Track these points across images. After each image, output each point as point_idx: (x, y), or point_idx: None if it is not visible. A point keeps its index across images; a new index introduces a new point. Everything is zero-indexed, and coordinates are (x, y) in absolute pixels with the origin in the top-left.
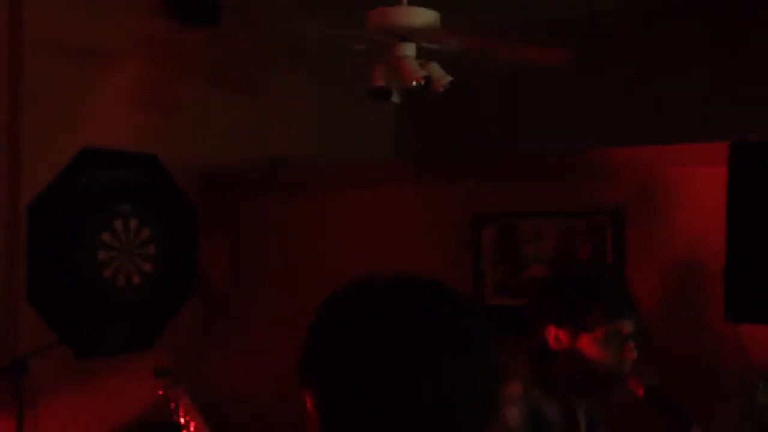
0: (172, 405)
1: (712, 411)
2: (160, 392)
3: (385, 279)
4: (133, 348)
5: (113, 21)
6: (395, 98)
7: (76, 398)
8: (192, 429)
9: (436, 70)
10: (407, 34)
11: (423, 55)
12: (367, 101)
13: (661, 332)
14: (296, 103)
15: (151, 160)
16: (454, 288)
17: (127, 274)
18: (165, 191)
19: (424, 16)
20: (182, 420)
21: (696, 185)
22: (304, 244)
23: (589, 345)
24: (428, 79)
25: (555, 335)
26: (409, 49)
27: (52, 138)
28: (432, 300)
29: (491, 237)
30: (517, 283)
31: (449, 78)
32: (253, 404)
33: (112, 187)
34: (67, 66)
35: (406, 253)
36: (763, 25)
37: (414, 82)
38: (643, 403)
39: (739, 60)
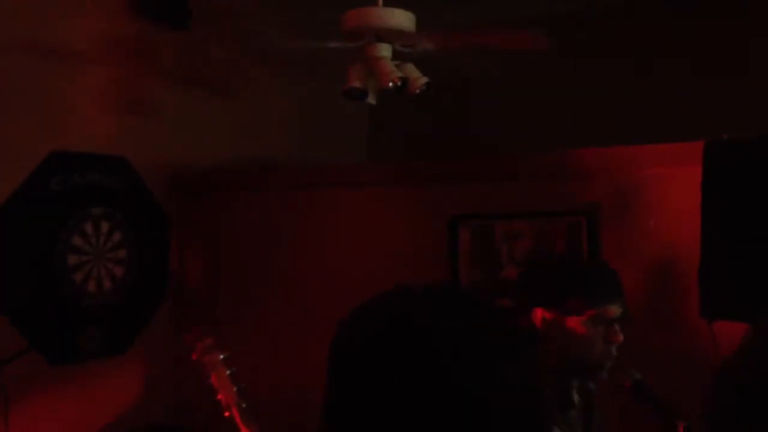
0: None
1: (691, 408)
2: (194, 357)
3: (419, 301)
4: (106, 354)
5: (82, 22)
6: (371, 99)
7: (48, 406)
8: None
9: (412, 71)
10: (383, 35)
11: (399, 56)
12: (342, 102)
13: (637, 331)
14: (270, 103)
15: (121, 163)
16: (502, 313)
17: (98, 279)
18: (136, 194)
19: (400, 17)
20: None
21: (671, 185)
22: (280, 245)
23: (576, 326)
24: (404, 81)
25: (542, 317)
26: (385, 50)
27: (20, 141)
28: (489, 334)
29: (467, 238)
30: (493, 285)
31: (425, 79)
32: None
33: (81, 190)
34: (36, 68)
35: (383, 255)
36: (740, 25)
37: (390, 83)
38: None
39: (715, 58)
